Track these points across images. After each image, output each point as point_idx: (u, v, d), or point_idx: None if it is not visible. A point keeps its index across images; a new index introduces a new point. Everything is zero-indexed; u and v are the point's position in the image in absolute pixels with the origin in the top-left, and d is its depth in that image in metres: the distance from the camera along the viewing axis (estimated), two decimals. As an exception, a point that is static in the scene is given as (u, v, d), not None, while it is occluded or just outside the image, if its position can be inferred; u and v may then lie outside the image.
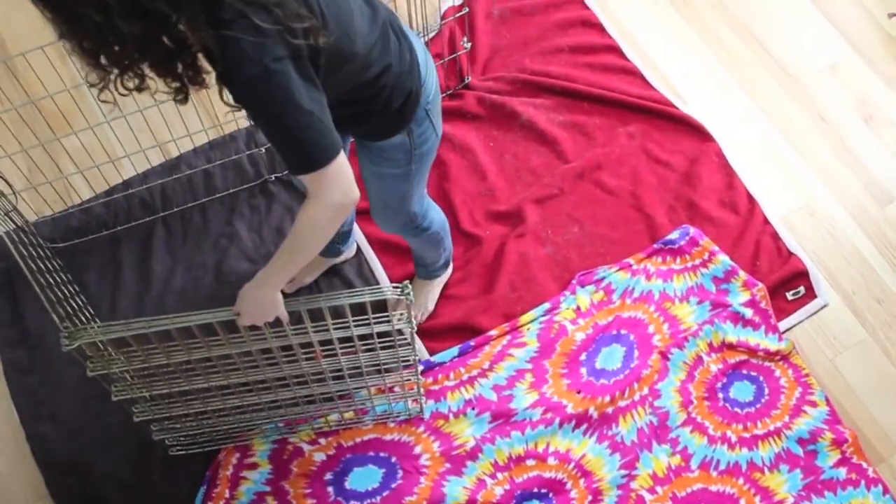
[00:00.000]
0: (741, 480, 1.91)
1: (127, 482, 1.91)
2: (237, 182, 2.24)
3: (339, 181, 1.28)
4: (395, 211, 1.72)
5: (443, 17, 2.47)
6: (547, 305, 2.08)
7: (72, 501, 1.90)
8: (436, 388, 1.97)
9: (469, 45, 2.36)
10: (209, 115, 2.31)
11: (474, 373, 1.99)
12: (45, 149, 2.01)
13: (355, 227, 2.16)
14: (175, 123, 2.16)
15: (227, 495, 1.87)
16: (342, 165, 1.27)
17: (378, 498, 1.87)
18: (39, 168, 2.09)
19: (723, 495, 1.89)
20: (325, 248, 2.04)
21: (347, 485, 1.89)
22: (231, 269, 2.13)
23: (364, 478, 1.89)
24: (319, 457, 1.91)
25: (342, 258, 2.14)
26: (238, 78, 1.17)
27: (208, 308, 2.15)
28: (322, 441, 1.93)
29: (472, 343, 2.03)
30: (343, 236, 2.06)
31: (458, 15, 2.34)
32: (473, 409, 1.94)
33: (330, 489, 1.89)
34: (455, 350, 2.02)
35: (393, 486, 1.88)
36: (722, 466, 1.92)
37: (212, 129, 2.29)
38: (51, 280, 1.68)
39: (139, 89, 1.21)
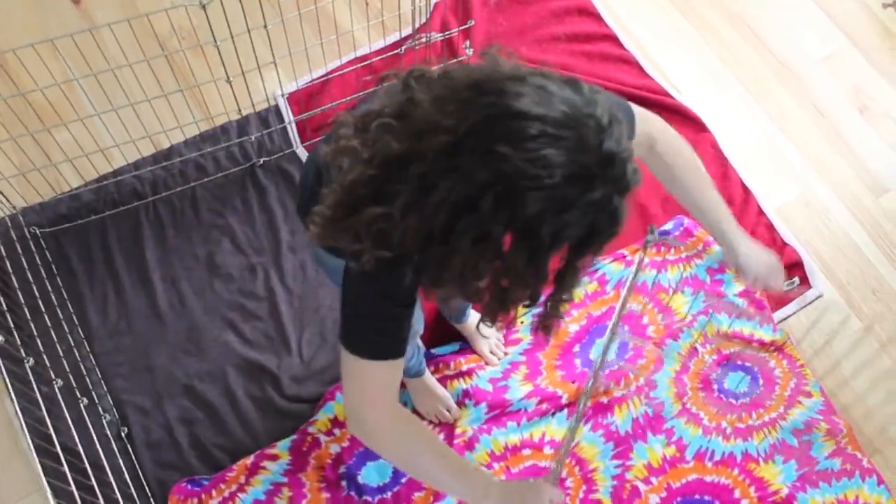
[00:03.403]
0: (736, 471, 1.90)
1: (116, 467, 1.89)
2: (229, 169, 2.24)
3: None
4: None
5: (433, 8, 2.45)
6: (541, 297, 2.07)
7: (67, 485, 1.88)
8: (436, 376, 1.96)
9: (471, 51, 2.34)
10: (201, 108, 2.29)
11: (472, 365, 1.98)
12: (35, 139, 1.99)
13: None
14: (165, 116, 2.14)
15: (241, 480, 1.86)
16: None
17: (389, 494, 1.86)
18: (30, 159, 2.07)
19: (718, 486, 1.89)
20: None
21: (360, 479, 1.88)
22: (224, 262, 2.12)
23: (374, 473, 1.88)
24: (335, 448, 1.90)
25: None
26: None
27: (201, 299, 2.12)
28: (337, 432, 1.91)
29: None
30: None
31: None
32: (470, 399, 1.94)
33: (343, 483, 1.88)
34: (456, 346, 2.02)
35: (403, 480, 1.88)
36: (717, 457, 1.92)
37: (203, 122, 2.27)
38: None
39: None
